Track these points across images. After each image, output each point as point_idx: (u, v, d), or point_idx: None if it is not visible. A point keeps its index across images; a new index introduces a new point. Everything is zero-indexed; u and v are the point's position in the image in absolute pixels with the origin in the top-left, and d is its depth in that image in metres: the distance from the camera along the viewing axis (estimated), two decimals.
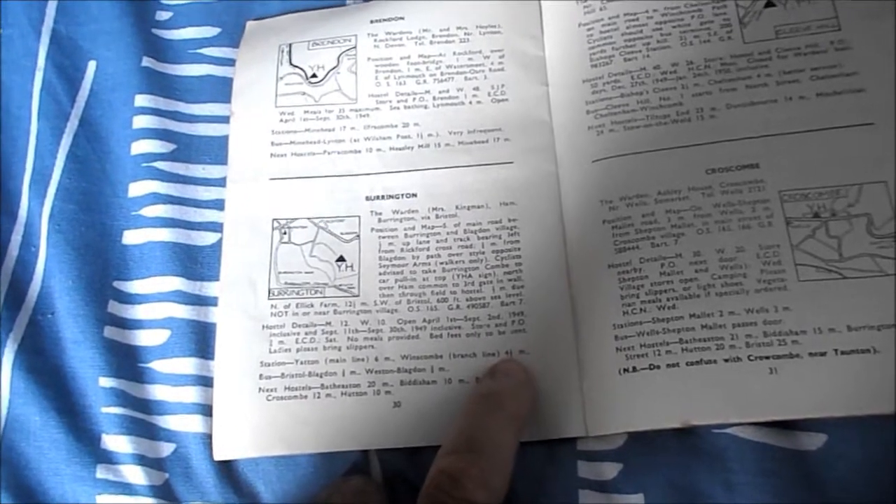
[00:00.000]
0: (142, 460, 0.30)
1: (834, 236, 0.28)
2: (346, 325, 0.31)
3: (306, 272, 0.32)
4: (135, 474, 0.30)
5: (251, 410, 0.30)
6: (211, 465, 0.30)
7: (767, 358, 0.27)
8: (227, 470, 0.30)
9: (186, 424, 0.31)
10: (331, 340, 0.31)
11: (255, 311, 0.31)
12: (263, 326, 0.31)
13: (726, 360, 0.27)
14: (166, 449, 0.31)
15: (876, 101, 0.30)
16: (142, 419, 0.31)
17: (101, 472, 0.30)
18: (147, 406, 0.31)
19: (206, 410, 0.31)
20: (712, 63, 0.32)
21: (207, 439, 0.30)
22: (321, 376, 0.30)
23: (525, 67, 0.34)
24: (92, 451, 0.31)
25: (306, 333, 0.31)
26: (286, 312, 0.31)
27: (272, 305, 0.31)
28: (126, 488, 0.30)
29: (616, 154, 0.31)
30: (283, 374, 0.30)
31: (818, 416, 0.26)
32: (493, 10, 0.35)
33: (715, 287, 0.28)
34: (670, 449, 0.28)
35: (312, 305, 0.31)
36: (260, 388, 0.30)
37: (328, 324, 0.31)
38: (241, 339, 0.31)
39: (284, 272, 0.32)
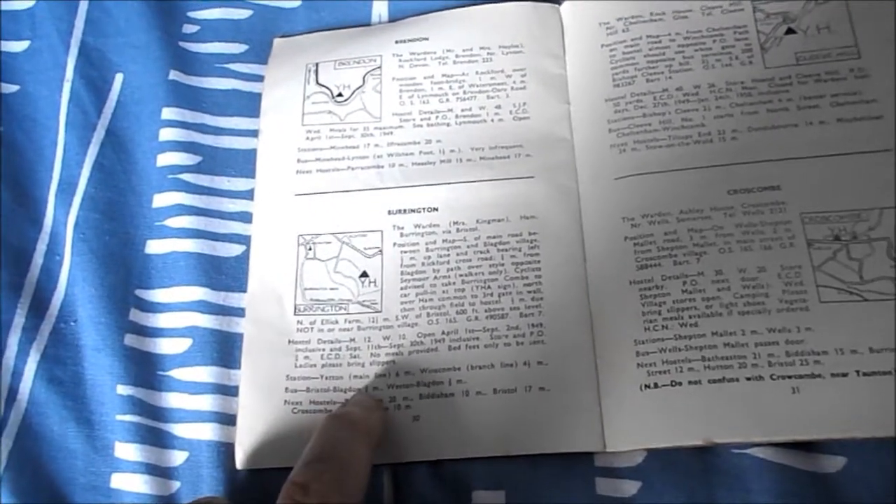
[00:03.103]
0: (153, 469, 0.30)
1: (855, 259, 0.28)
2: (369, 341, 0.31)
3: (331, 288, 0.32)
4: (145, 484, 0.30)
5: (276, 422, 0.30)
6: (222, 474, 0.30)
7: (790, 377, 0.27)
8: (238, 480, 0.30)
9: (201, 433, 0.31)
10: (355, 357, 0.31)
11: (281, 325, 0.32)
12: (290, 341, 0.31)
13: (748, 379, 0.27)
14: (179, 457, 0.31)
15: (893, 127, 0.30)
16: (155, 427, 0.31)
17: (115, 482, 0.30)
18: (161, 414, 0.31)
19: (222, 419, 0.31)
20: (734, 86, 0.32)
21: (221, 447, 0.30)
22: (345, 392, 0.30)
23: (547, 86, 0.35)
24: (107, 461, 0.31)
25: (331, 350, 0.31)
26: (312, 328, 0.31)
27: (298, 321, 0.32)
28: (137, 498, 0.30)
29: (638, 172, 0.32)
30: (308, 388, 0.30)
31: (840, 437, 0.27)
32: (515, 30, 0.36)
33: (737, 306, 0.29)
34: (690, 468, 0.28)
35: (337, 322, 0.31)
36: (286, 401, 0.30)
37: (352, 340, 0.31)
38: (268, 352, 0.31)
39: (310, 288, 0.32)
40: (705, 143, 0.31)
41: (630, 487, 0.28)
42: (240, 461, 0.30)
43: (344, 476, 0.25)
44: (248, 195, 0.34)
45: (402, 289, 0.32)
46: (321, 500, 0.24)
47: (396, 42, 0.36)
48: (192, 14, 0.39)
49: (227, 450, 0.30)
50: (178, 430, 0.31)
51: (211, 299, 0.33)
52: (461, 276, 0.32)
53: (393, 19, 0.38)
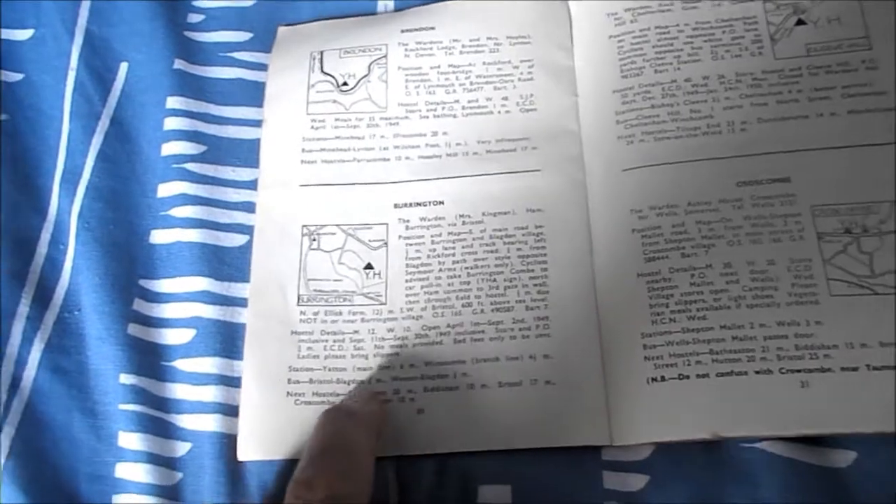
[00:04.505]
0: (156, 459, 0.30)
1: (865, 252, 0.28)
2: (373, 333, 0.31)
3: (335, 280, 0.32)
4: (148, 473, 0.30)
5: (279, 413, 0.30)
6: (225, 465, 0.30)
7: (799, 371, 0.27)
8: (241, 471, 0.30)
9: (204, 424, 0.31)
10: (358, 349, 0.31)
11: (284, 316, 0.31)
12: (292, 332, 0.31)
13: (757, 373, 0.27)
14: (182, 448, 0.30)
15: None
16: (159, 417, 0.31)
17: (119, 472, 0.30)
18: (165, 404, 0.31)
19: (226, 410, 0.31)
20: (743, 78, 0.32)
21: (224, 439, 0.30)
22: (348, 383, 0.30)
23: (554, 77, 0.34)
24: (111, 450, 0.31)
25: (335, 341, 0.31)
26: (315, 319, 0.31)
27: (301, 312, 0.31)
28: (141, 487, 0.30)
29: (646, 164, 0.31)
30: (311, 379, 0.30)
31: (849, 431, 0.26)
32: (523, 21, 0.36)
33: (746, 299, 0.28)
34: (698, 462, 0.28)
35: (341, 313, 0.31)
36: (288, 393, 0.30)
37: (356, 332, 0.31)
38: (271, 343, 0.31)
39: (313, 279, 0.32)
40: (714, 134, 0.31)
41: (637, 481, 0.28)
42: (242, 453, 0.30)
43: (348, 465, 0.25)
44: (252, 185, 0.34)
45: (407, 281, 0.31)
46: (328, 492, 0.24)
47: (402, 31, 0.36)
48: (196, 3, 0.38)
49: (230, 441, 0.30)
50: (182, 420, 0.31)
51: (214, 289, 0.32)
52: (467, 268, 0.31)
53: (399, 9, 0.37)
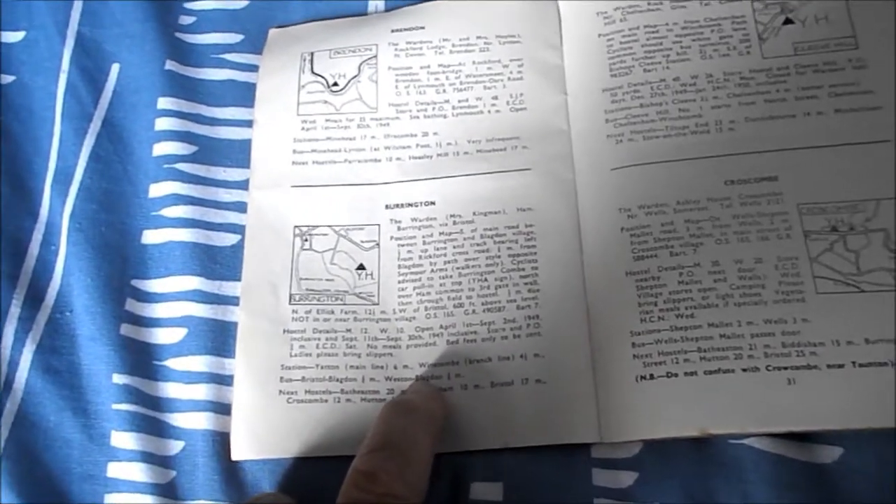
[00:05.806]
0: (150, 458, 0.30)
1: (852, 250, 0.28)
2: (365, 332, 0.31)
3: (327, 279, 0.32)
4: (142, 472, 0.30)
5: (271, 412, 0.30)
6: (218, 463, 0.30)
7: (786, 368, 0.27)
8: (235, 469, 0.30)
9: (196, 422, 0.31)
10: (351, 347, 0.31)
11: (276, 315, 0.31)
12: (284, 330, 0.31)
13: (745, 370, 0.27)
14: (175, 447, 0.31)
15: (891, 118, 0.30)
16: (152, 416, 0.31)
17: (111, 471, 0.30)
18: (158, 403, 0.31)
19: (218, 408, 0.31)
20: (731, 77, 0.32)
21: (217, 437, 0.30)
22: (341, 381, 0.30)
23: (544, 76, 0.34)
24: (103, 450, 0.31)
25: (327, 339, 0.31)
26: (307, 318, 0.31)
27: (293, 310, 0.32)
28: (135, 486, 0.30)
29: (635, 163, 0.31)
30: (303, 377, 0.30)
31: (836, 428, 0.26)
32: (512, 20, 0.36)
33: (733, 297, 0.28)
34: (686, 458, 0.28)
35: (333, 312, 0.31)
36: (280, 391, 0.30)
37: (348, 331, 0.31)
38: (263, 341, 0.31)
39: (305, 278, 0.32)
40: (702, 133, 0.31)
41: (627, 478, 0.28)
42: (235, 452, 0.30)
43: (408, 465, 0.25)
44: (244, 185, 0.34)
45: (399, 282, 0.32)
46: (387, 490, 0.24)
47: (392, 31, 0.36)
48: (188, 5, 0.38)
49: (222, 439, 0.30)
50: (175, 419, 0.31)
51: (205, 288, 0.33)
52: (458, 268, 0.32)
53: (389, 9, 0.38)
